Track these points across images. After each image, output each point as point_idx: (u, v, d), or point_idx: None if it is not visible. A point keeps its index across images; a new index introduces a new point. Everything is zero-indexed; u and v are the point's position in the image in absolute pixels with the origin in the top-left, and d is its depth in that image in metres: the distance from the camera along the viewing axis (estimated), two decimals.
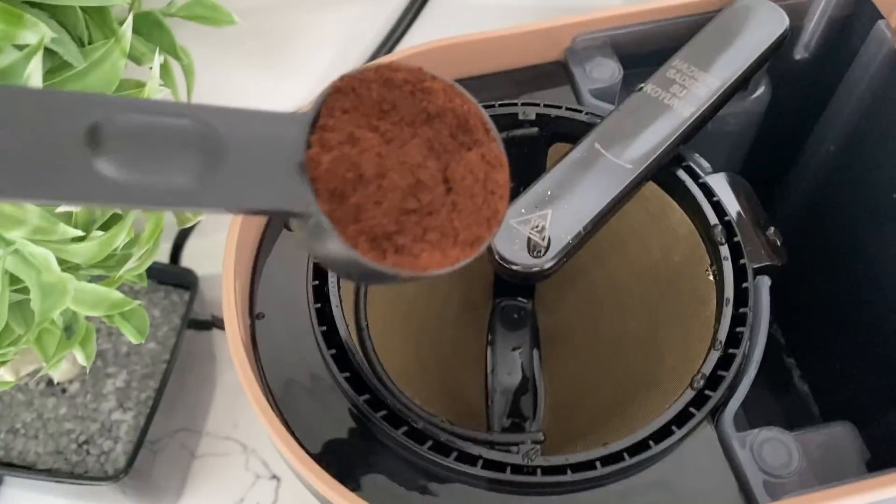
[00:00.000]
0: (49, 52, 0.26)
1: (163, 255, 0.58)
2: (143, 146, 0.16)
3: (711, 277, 0.29)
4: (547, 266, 0.27)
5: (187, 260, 0.59)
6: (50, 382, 0.50)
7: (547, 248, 0.27)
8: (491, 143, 0.20)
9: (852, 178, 0.36)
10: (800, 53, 0.37)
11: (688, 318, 0.30)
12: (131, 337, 0.31)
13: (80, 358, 0.34)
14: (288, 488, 0.58)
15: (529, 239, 0.27)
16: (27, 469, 0.46)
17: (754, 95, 0.35)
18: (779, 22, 0.32)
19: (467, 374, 0.34)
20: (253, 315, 0.28)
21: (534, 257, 0.27)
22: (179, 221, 0.34)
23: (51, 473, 0.45)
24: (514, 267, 0.27)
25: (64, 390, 0.49)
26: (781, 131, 0.38)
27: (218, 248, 0.50)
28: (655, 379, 0.30)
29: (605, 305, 0.34)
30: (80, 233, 0.24)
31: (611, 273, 0.34)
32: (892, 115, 0.33)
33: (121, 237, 0.26)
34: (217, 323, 0.61)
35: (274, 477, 0.58)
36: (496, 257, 0.27)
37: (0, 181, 0.14)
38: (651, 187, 0.31)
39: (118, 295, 0.28)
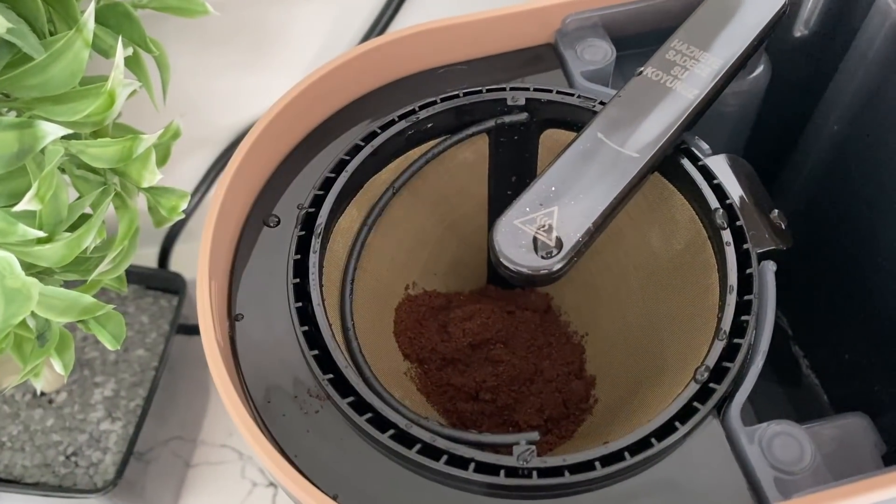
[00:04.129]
0: (7, 45, 0.25)
1: (150, 260, 0.57)
2: None
3: (714, 264, 0.27)
4: (557, 268, 0.25)
5: (175, 264, 0.57)
6: (38, 394, 0.48)
7: (556, 249, 0.25)
8: None
9: (858, 158, 0.35)
10: (799, 30, 0.35)
11: (690, 309, 0.28)
12: (108, 343, 0.30)
13: (58, 367, 0.33)
14: (285, 496, 0.57)
15: (536, 239, 0.25)
16: (14, 483, 0.44)
17: (753, 74, 0.33)
18: None
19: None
20: (232, 317, 0.27)
21: (542, 258, 0.25)
22: (156, 222, 0.32)
23: (38, 487, 0.44)
24: (521, 270, 0.25)
25: (51, 401, 0.48)
26: (783, 112, 0.36)
27: None
28: (657, 373, 0.28)
29: (604, 299, 0.33)
30: (40, 234, 0.23)
31: (609, 265, 0.33)
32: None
33: (89, 238, 0.25)
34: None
35: (271, 484, 0.57)
36: (501, 260, 0.25)
37: None
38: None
39: (89, 299, 0.27)
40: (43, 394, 0.48)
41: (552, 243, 0.25)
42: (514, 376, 0.31)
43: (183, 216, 0.31)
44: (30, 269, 0.27)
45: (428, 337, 0.32)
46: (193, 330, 0.54)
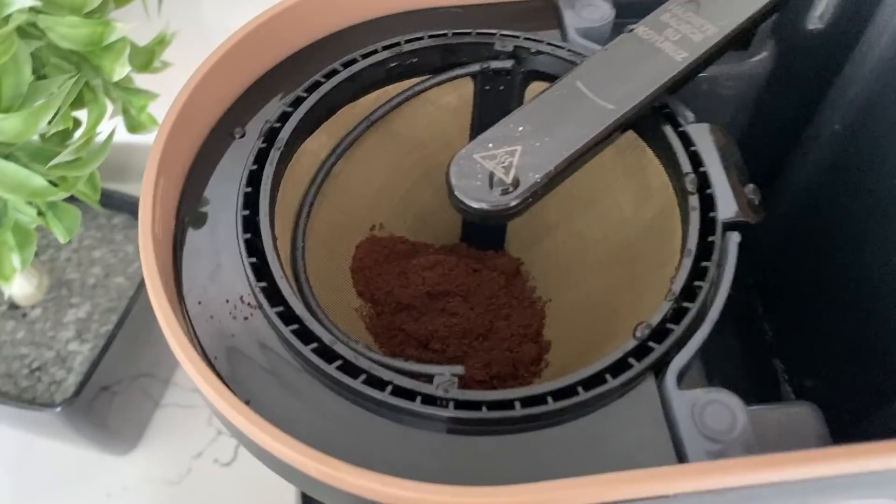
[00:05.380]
0: None
1: None
2: None
3: (679, 232, 0.26)
4: (512, 204, 0.24)
5: None
6: (13, 306, 0.49)
7: (513, 187, 0.24)
8: None
9: (856, 160, 0.33)
10: (813, 24, 0.34)
11: (651, 276, 0.27)
12: (59, 235, 0.29)
13: (16, 261, 0.32)
14: None
15: (493, 175, 0.25)
16: None
17: (756, 58, 0.32)
18: None
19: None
20: (179, 217, 0.26)
21: (498, 195, 0.24)
22: (129, 126, 0.32)
23: None
24: (472, 204, 0.24)
25: (25, 315, 0.48)
26: (786, 104, 0.35)
27: None
28: (610, 338, 0.27)
29: (571, 266, 0.32)
30: None
31: (580, 231, 0.32)
32: None
33: (47, 114, 0.25)
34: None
35: None
36: (454, 192, 0.25)
37: None
38: (629, 137, 0.29)
39: (40, 181, 0.26)
40: (18, 307, 0.48)
41: (509, 180, 0.24)
42: (467, 329, 0.31)
43: (157, 126, 0.30)
44: None
45: (386, 279, 0.31)
46: None
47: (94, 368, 0.44)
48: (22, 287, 0.46)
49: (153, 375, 0.54)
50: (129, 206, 0.52)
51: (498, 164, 0.25)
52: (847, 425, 0.34)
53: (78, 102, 0.28)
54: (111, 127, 0.32)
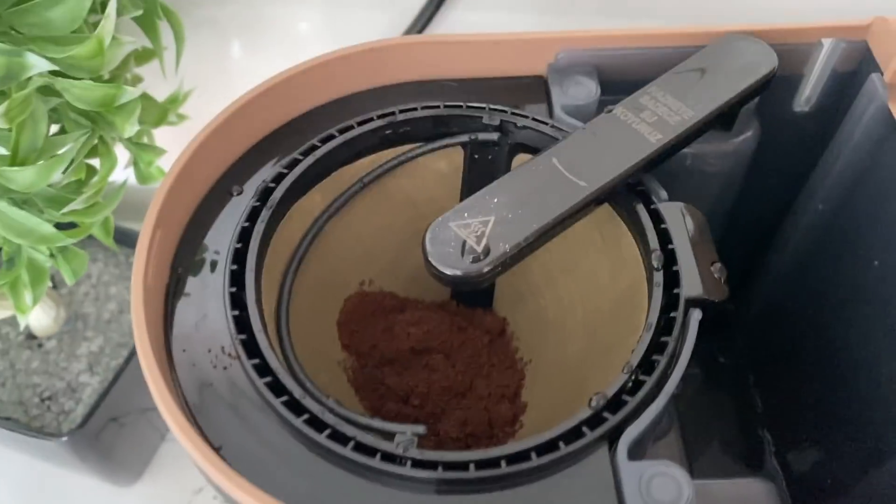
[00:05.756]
0: None
1: None
2: None
3: (645, 306, 0.27)
4: (484, 271, 0.26)
5: None
6: (31, 336, 0.51)
7: (483, 255, 0.26)
8: None
9: (839, 239, 0.34)
10: (799, 106, 0.35)
11: (619, 346, 0.28)
12: (67, 277, 0.31)
13: (28, 298, 0.34)
14: None
15: (465, 243, 0.26)
16: None
17: (741, 138, 0.33)
18: (766, 61, 0.31)
19: None
20: (173, 268, 0.28)
21: (469, 263, 0.26)
22: (139, 178, 0.34)
23: (7, 422, 0.46)
24: (447, 271, 0.26)
25: (41, 345, 0.50)
26: (773, 182, 0.36)
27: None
28: (579, 402, 0.28)
29: (551, 329, 0.33)
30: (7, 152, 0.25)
31: (560, 296, 0.33)
32: (881, 179, 0.31)
33: (60, 166, 0.27)
34: None
35: None
36: (428, 257, 0.26)
37: None
38: (607, 210, 0.30)
39: (49, 228, 0.28)
40: (35, 337, 0.50)
41: (479, 249, 0.26)
42: (446, 387, 0.32)
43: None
44: (6, 193, 0.29)
45: (371, 333, 0.32)
46: None
47: (102, 400, 0.46)
48: (39, 319, 0.48)
49: None
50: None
51: (471, 232, 0.26)
52: (828, 496, 0.35)
53: (92, 153, 0.30)
54: (125, 176, 0.34)
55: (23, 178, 0.27)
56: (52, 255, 0.32)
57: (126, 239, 0.54)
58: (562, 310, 0.33)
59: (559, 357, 0.32)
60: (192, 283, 0.28)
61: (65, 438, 0.45)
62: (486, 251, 0.26)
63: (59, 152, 0.28)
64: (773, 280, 0.40)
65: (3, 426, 0.45)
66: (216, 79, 0.39)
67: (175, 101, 0.33)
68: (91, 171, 0.31)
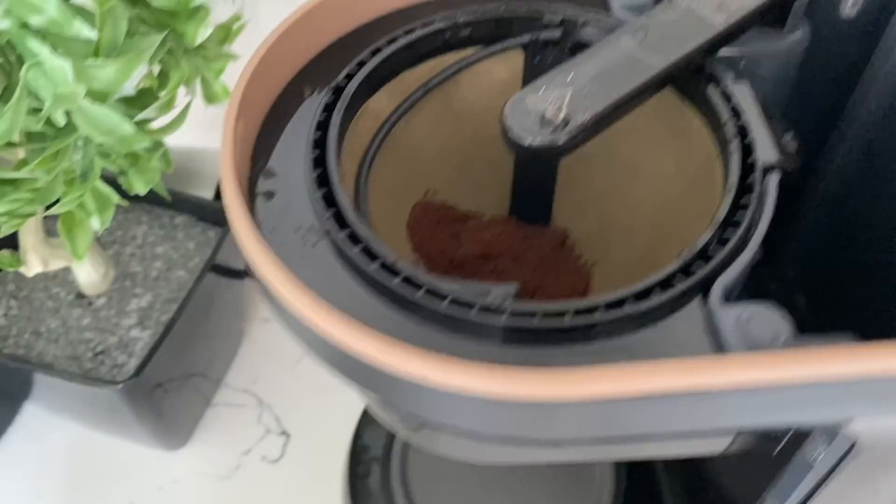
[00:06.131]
0: None
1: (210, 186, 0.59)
2: None
3: (722, 181, 0.28)
4: (561, 142, 0.26)
5: None
6: (80, 295, 0.51)
7: (563, 125, 0.26)
8: None
9: (887, 149, 0.35)
10: (846, 10, 0.36)
11: (694, 226, 0.29)
12: (139, 188, 0.32)
13: (96, 223, 0.35)
14: (295, 445, 0.57)
15: (544, 115, 0.27)
16: (39, 365, 0.47)
17: (792, 38, 0.34)
18: None
19: None
20: (254, 159, 0.28)
21: (549, 133, 0.26)
22: (207, 97, 0.35)
23: (63, 373, 0.46)
24: (527, 142, 0.26)
25: (90, 303, 0.51)
26: (822, 89, 0.37)
27: None
28: None
29: (616, 230, 0.34)
30: (92, 34, 0.25)
31: (625, 195, 0.33)
32: None
33: (139, 64, 0.27)
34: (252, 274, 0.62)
35: (284, 433, 0.58)
36: (507, 131, 0.27)
37: None
38: (671, 102, 0.30)
39: (131, 127, 0.29)
40: (84, 296, 0.51)
41: (559, 121, 0.26)
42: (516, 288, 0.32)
43: (229, 98, 0.33)
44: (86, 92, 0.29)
45: (439, 239, 0.33)
46: (236, 274, 0.56)
47: (155, 351, 0.46)
48: (90, 275, 0.49)
49: (206, 375, 0.56)
50: (190, 207, 0.54)
51: (549, 105, 0.27)
52: None
53: (162, 66, 0.31)
54: (187, 100, 0.35)
55: (105, 74, 0.27)
56: (121, 173, 0.33)
57: (171, 202, 0.55)
58: (627, 211, 0.33)
59: (625, 253, 0.33)
60: (274, 172, 0.28)
61: (121, 386, 0.45)
62: (566, 121, 0.26)
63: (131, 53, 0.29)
64: (822, 194, 0.40)
65: (60, 376, 0.46)
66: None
67: (237, 18, 0.34)
68: (161, 83, 0.32)
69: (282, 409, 0.58)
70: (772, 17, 0.32)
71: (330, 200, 0.26)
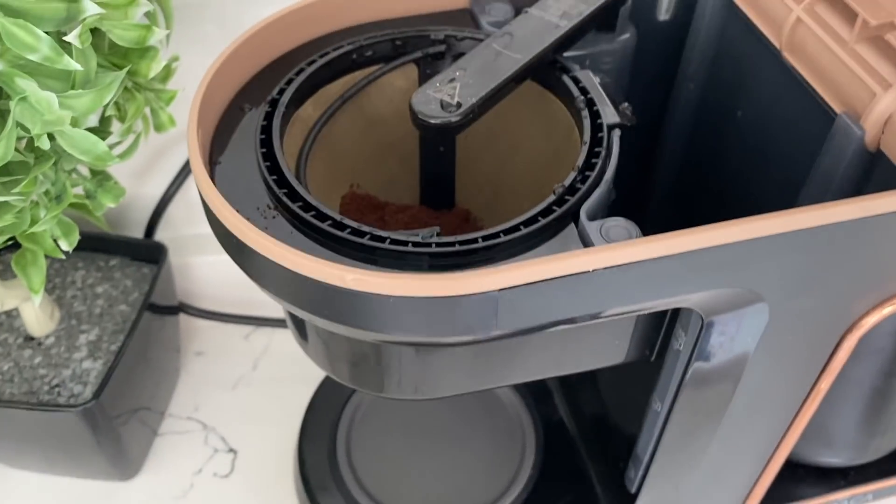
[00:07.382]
0: None
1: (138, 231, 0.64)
2: None
3: (580, 142, 0.36)
4: (455, 120, 0.34)
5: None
6: (28, 338, 0.55)
7: (456, 108, 0.34)
8: None
9: (708, 106, 0.45)
10: (662, 15, 0.46)
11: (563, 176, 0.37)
12: (109, 202, 0.37)
13: (64, 244, 0.40)
14: (243, 459, 0.62)
15: (442, 101, 0.35)
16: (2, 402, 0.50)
17: (623, 37, 0.44)
18: None
19: None
20: (211, 162, 0.35)
21: (448, 113, 0.34)
22: (157, 125, 0.41)
23: (23, 403, 0.50)
24: (431, 121, 0.34)
25: (40, 344, 0.54)
26: (652, 75, 0.47)
27: (191, 240, 0.57)
28: None
29: (504, 194, 0.42)
30: (78, 66, 0.31)
31: (511, 171, 0.42)
32: (727, 54, 0.42)
33: (109, 94, 0.34)
34: (185, 309, 0.67)
35: (231, 450, 0.62)
36: (417, 115, 0.34)
37: None
38: (534, 90, 0.39)
39: (104, 147, 0.35)
40: (32, 338, 0.54)
41: (453, 104, 0.34)
42: None
43: (175, 126, 0.39)
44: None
45: (368, 221, 0.40)
46: (170, 310, 0.61)
47: (111, 373, 0.50)
48: (38, 315, 0.52)
49: (150, 409, 0.60)
50: (123, 248, 0.59)
51: (445, 95, 0.35)
52: None
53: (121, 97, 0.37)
54: (138, 131, 0.41)
55: (81, 103, 0.33)
56: (87, 197, 0.39)
57: (105, 246, 0.59)
58: (514, 181, 0.41)
59: (517, 214, 0.41)
60: (228, 168, 0.35)
61: (80, 409, 0.49)
62: (458, 105, 0.34)
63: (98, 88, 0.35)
64: (669, 154, 0.50)
65: (20, 406, 0.49)
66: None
67: (176, 59, 0.40)
68: (119, 114, 0.38)
69: (226, 430, 0.62)
70: (605, 22, 0.42)
71: (281, 183, 0.33)
